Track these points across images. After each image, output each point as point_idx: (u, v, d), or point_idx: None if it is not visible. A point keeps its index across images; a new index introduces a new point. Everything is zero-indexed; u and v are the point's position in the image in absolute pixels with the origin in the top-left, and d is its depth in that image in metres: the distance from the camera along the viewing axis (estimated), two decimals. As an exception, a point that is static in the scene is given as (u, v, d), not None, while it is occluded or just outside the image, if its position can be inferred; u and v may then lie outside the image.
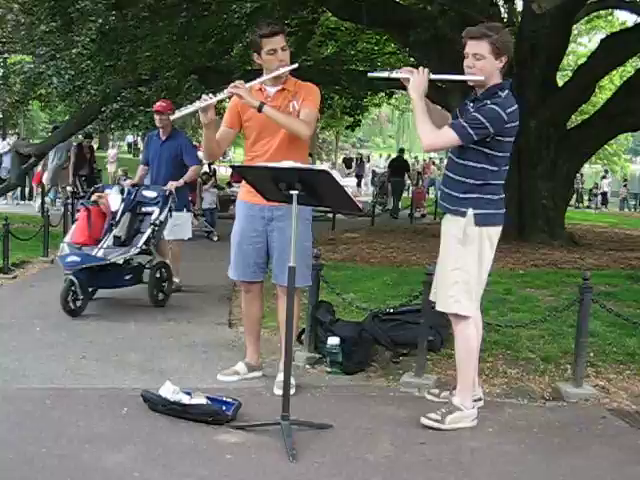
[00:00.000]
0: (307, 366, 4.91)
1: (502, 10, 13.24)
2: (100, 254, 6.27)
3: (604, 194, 34.32)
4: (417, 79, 3.84)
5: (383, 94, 16.55)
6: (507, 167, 3.92)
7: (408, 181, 24.00)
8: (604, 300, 5.42)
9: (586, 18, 19.35)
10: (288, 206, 3.88)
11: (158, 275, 6.76)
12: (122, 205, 6.80)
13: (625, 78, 15.73)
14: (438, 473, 3.35)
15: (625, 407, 4.29)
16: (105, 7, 10.48)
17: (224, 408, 3.80)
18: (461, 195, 3.87)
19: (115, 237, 6.57)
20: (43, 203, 14.71)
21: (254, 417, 3.82)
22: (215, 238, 12.08)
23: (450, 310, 3.95)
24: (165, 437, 3.57)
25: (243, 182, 4.46)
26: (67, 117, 19.01)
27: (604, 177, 35.53)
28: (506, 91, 3.82)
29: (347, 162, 31.83)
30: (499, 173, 3.88)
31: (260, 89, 4.36)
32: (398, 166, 20.49)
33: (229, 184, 16.57)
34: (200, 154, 7.81)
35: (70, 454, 3.32)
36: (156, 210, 6.79)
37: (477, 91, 3.90)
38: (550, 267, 9.09)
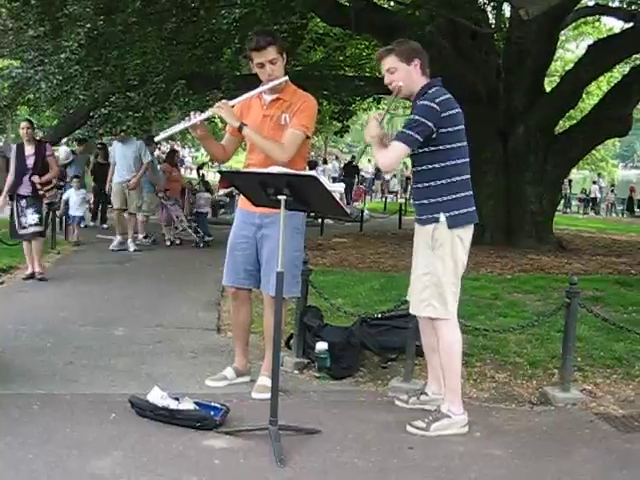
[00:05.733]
0: (295, 371, 4.91)
1: (490, 16, 13.30)
2: None
3: (594, 199, 34.45)
4: (369, 130, 3.95)
5: (371, 99, 16.55)
6: (467, 159, 3.92)
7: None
8: (591, 305, 5.46)
9: (573, 24, 19.50)
10: (277, 214, 3.90)
11: None
12: None
13: (612, 84, 15.84)
14: (426, 478, 3.35)
15: (612, 411, 4.31)
16: (93, 12, 10.44)
17: (212, 413, 3.79)
18: (431, 201, 3.87)
19: None
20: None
21: (242, 422, 3.82)
22: (202, 245, 11.51)
23: (422, 314, 3.98)
24: (153, 443, 3.56)
25: None
26: (55, 122, 18.91)
27: (595, 182, 35.66)
28: (435, 87, 3.86)
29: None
30: (462, 167, 3.88)
31: (258, 96, 4.38)
32: (350, 169, 27.05)
33: (219, 189, 16.52)
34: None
35: (57, 460, 3.31)
36: None
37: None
38: (538, 272, 9.13)
